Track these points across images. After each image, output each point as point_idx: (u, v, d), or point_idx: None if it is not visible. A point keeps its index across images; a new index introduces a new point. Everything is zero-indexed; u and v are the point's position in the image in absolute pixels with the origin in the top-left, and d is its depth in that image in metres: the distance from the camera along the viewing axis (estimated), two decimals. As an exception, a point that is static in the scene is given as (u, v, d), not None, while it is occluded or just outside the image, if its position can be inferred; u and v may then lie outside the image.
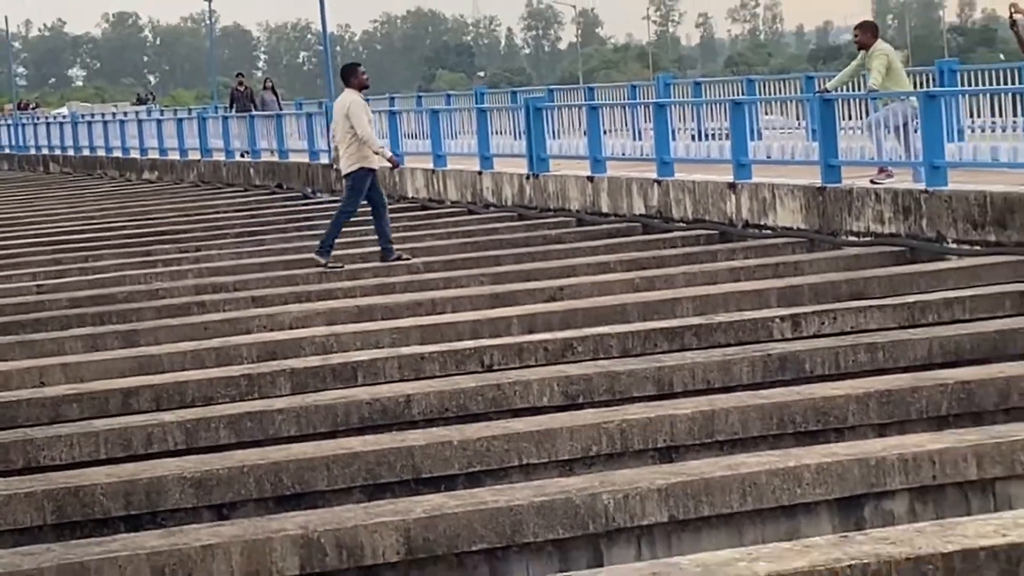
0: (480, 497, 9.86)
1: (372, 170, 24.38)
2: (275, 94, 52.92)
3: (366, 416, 13.02)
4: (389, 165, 26.05)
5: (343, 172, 24.61)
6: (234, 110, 50.83)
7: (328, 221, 24.99)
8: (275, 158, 45.01)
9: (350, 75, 25.10)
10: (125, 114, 70.68)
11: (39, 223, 37.14)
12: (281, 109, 49.70)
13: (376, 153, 24.32)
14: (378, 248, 24.34)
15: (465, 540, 9.42)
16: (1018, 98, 25.78)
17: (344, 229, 24.51)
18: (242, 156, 47.20)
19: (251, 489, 10.96)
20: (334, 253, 24.04)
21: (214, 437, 12.67)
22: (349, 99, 24.38)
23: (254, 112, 48.90)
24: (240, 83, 53.70)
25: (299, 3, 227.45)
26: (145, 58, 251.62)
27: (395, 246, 24.10)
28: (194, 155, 51.14)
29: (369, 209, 24.76)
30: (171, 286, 22.79)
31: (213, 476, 10.97)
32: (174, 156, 53.09)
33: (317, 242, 24.24)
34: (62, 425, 13.30)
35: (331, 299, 20.49)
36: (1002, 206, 19.72)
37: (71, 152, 64.80)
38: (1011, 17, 21.82)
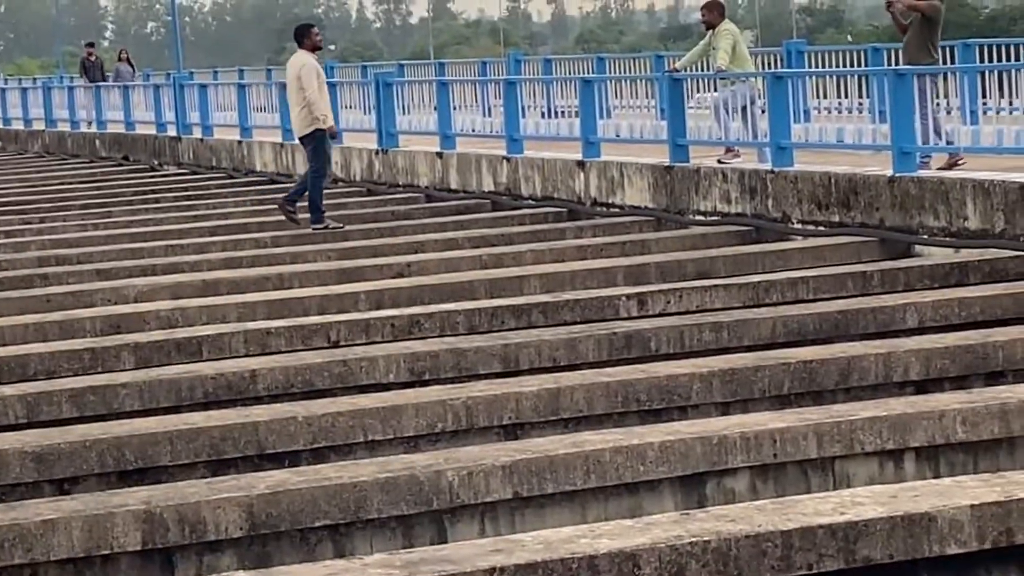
0: (324, 473, 9.86)
1: (320, 131, 24.22)
2: (131, 65, 52.37)
3: (210, 391, 12.96)
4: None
5: (298, 135, 24.67)
6: (85, 80, 50.11)
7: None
8: (122, 129, 44.60)
9: (303, 36, 25.10)
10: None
11: None
12: (134, 79, 49.12)
13: (317, 119, 24.03)
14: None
15: (309, 516, 9.41)
16: (863, 80, 26.13)
17: (190, 202, 24.36)
18: (88, 127, 46.72)
19: (93, 464, 10.88)
20: (328, 214, 24.30)
21: (56, 411, 12.55)
22: (301, 60, 24.38)
23: (104, 83, 48.38)
24: (90, 54, 53.01)
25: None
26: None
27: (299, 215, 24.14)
28: (39, 125, 50.67)
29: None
30: (13, 258, 22.58)
31: (54, 450, 10.88)
32: (18, 126, 52.66)
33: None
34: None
35: (177, 272, 20.36)
36: (846, 187, 19.96)
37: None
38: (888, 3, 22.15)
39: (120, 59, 53.19)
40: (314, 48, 24.86)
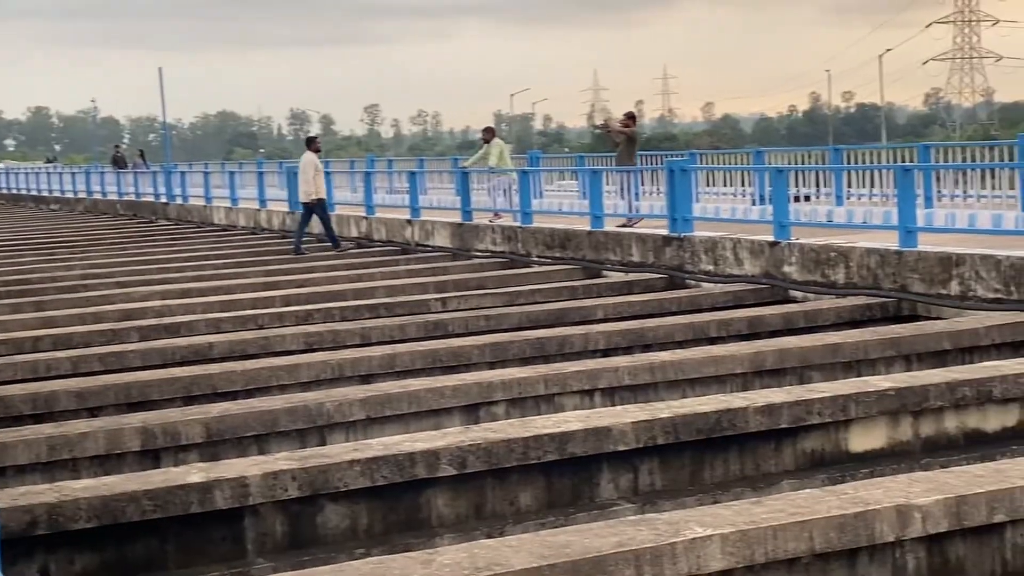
0: (252, 404, 9.71)
1: (319, 199, 24.48)
2: (144, 160, 51.55)
3: (185, 355, 12.67)
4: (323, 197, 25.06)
5: (302, 201, 24.70)
6: (113, 168, 49.28)
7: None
8: (133, 198, 43.84)
9: (309, 143, 25.62)
10: (39, 169, 68.44)
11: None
12: (148, 169, 48.26)
13: (308, 193, 24.37)
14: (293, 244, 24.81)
15: (242, 430, 9.18)
16: (574, 174, 26.39)
17: (174, 242, 23.81)
18: (113, 196, 45.96)
19: (111, 399, 10.56)
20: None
21: (89, 367, 12.23)
22: (306, 158, 24.73)
23: (125, 170, 47.61)
24: (117, 149, 52.26)
25: (149, 103, 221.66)
26: (52, 134, 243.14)
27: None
28: (81, 194, 49.82)
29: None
30: (65, 274, 22.14)
31: (88, 391, 10.60)
32: (68, 195, 51.78)
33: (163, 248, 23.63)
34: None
35: (165, 284, 20.03)
36: (563, 236, 20.11)
37: (4, 191, 62.71)
38: (605, 125, 22.50)
39: (139, 155, 52.25)
40: (316, 151, 25.00)
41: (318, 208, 24.47)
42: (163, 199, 40.11)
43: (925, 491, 6.37)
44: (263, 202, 32.14)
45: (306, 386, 11.25)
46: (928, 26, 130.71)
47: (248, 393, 10.97)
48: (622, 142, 21.27)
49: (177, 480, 7.10)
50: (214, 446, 9.18)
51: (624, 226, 19.54)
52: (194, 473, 7.23)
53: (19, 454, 8.63)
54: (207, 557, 7.13)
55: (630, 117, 22.14)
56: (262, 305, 16.57)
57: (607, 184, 21.81)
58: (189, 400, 10.74)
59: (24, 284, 20.60)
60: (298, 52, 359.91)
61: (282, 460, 7.49)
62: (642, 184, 21.99)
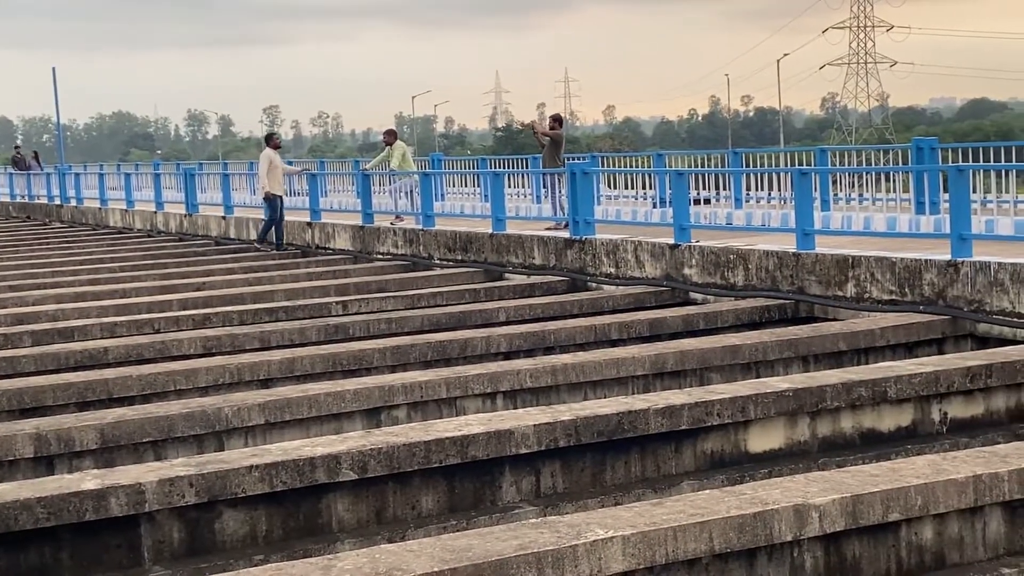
0: (149, 409, 9.56)
1: (276, 194, 24.03)
2: (38, 161, 50.29)
3: (78, 360, 12.47)
4: (280, 194, 24.36)
5: (262, 196, 24.28)
6: (15, 170, 48.02)
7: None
8: (26, 200, 42.96)
9: (267, 140, 25.21)
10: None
11: None
12: (42, 170, 47.13)
13: (290, 172, 24.56)
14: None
15: (138, 435, 9.03)
16: (473, 177, 26.40)
17: (68, 245, 23.40)
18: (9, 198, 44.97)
19: (4, 405, 10.39)
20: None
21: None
22: (263, 154, 24.46)
23: (22, 172, 46.46)
24: (17, 151, 51.03)
25: (43, 103, 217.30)
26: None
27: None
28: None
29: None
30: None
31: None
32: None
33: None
34: None
35: (59, 287, 19.68)
36: (465, 239, 20.11)
37: None
38: (531, 126, 22.46)
39: (33, 156, 50.95)
40: (275, 147, 24.59)
41: (269, 203, 24.10)
42: (57, 201, 39.37)
43: (822, 491, 6.47)
44: (160, 204, 31.71)
45: (204, 391, 11.12)
46: (824, 31, 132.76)
47: (145, 398, 10.81)
48: (547, 144, 21.30)
49: (71, 487, 6.96)
50: (110, 452, 9.02)
51: (553, 229, 19.43)
52: (89, 480, 7.10)
53: (-94, 462, 8.41)
54: (103, 565, 7.01)
55: (556, 120, 22.19)
56: (159, 309, 16.34)
57: (520, 187, 21.85)
58: (84, 406, 10.54)
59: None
60: (196, 53, 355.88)
61: (179, 466, 7.39)
62: (543, 187, 22.05)
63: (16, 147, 56.69)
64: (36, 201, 41.88)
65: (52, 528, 6.86)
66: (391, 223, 22.70)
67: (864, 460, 8.56)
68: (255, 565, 6.69)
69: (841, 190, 18.78)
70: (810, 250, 14.52)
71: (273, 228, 24.32)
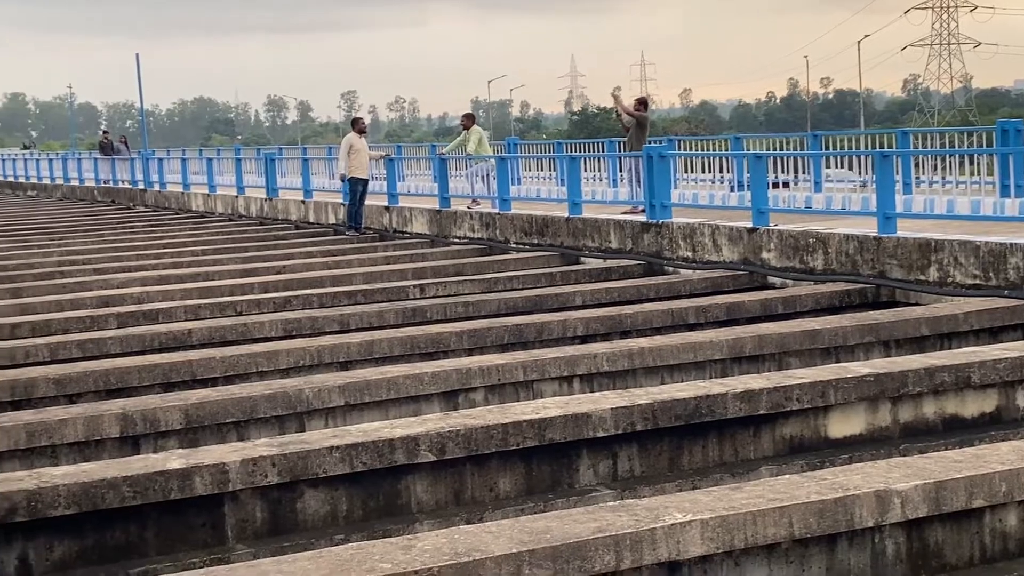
0: (231, 391, 9.71)
1: (357, 178, 23.82)
2: (127, 146, 50.73)
3: (163, 342, 12.71)
4: (361, 176, 24.14)
5: (347, 177, 23.99)
6: (101, 154, 48.59)
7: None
8: (111, 184, 43.61)
9: (353, 124, 25.13)
10: (15, 155, 68.02)
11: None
12: (130, 155, 47.67)
13: (349, 169, 23.89)
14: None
15: (221, 416, 9.27)
16: (549, 161, 26.38)
17: (152, 228, 23.76)
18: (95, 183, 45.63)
19: (90, 386, 10.61)
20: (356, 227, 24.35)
21: (68, 354, 12.25)
22: (346, 138, 24.38)
23: (108, 156, 47.05)
24: (105, 136, 51.70)
25: (127, 89, 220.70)
26: (29, 120, 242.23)
27: None
28: (59, 181, 49.58)
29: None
30: (42, 260, 22.05)
31: (67, 378, 10.60)
32: (46, 181, 51.54)
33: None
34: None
35: (144, 270, 19.98)
36: (541, 223, 20.13)
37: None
38: (615, 107, 22.40)
39: (121, 141, 51.21)
40: (360, 131, 24.49)
41: (351, 185, 24.14)
42: (141, 185, 39.94)
43: (904, 476, 6.40)
44: (241, 189, 32.06)
45: (285, 373, 11.25)
46: (906, 12, 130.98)
47: (227, 380, 10.95)
48: (632, 127, 21.20)
49: (157, 466, 7.09)
50: (193, 432, 9.16)
51: (629, 213, 19.36)
52: (174, 459, 7.22)
53: (-4, 441, 8.60)
54: (187, 543, 7.13)
55: (642, 103, 22.09)
56: (240, 292, 16.54)
57: (596, 171, 21.75)
58: (168, 387, 10.72)
59: (1, 271, 20.47)
60: (275, 39, 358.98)
61: (262, 446, 7.49)
62: (620, 171, 21.98)
63: (104, 132, 57.59)
64: (120, 186, 42.52)
65: (138, 507, 6.98)
66: (468, 207, 22.76)
67: (947, 446, 8.45)
68: (336, 544, 6.77)
69: (923, 173, 18.52)
70: (892, 234, 14.34)
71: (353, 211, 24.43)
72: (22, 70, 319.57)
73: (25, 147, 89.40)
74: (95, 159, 47.13)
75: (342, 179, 24.23)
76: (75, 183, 47.63)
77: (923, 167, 18.53)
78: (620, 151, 22.61)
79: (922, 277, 13.84)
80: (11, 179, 57.45)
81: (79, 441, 8.82)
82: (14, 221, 33.89)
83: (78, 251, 24.06)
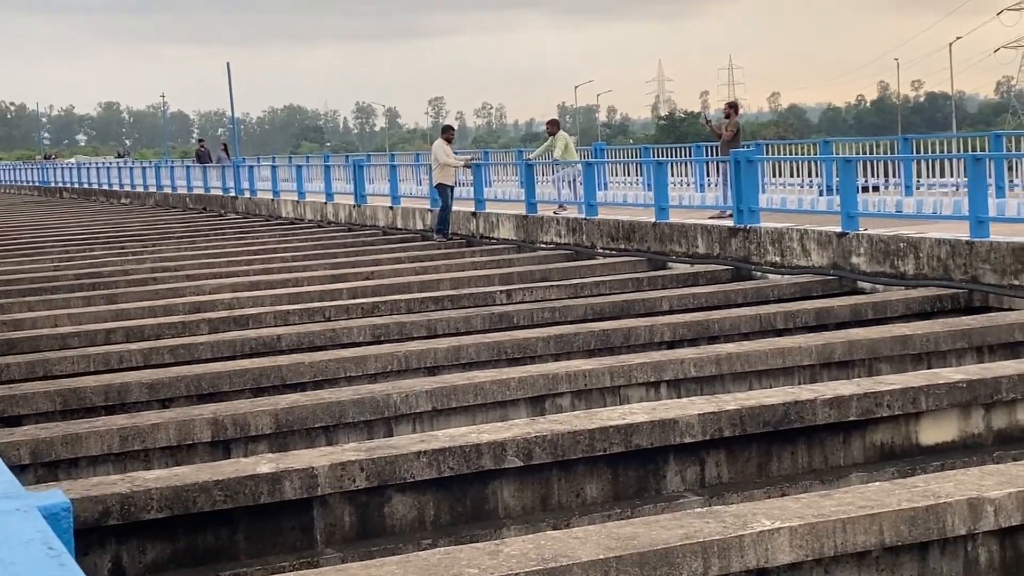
0: (320, 395, 9.79)
1: (446, 185, 24.01)
2: (227, 153, 50.50)
3: (253, 347, 12.85)
4: (447, 183, 24.26)
5: (435, 183, 24.32)
6: (196, 162, 48.74)
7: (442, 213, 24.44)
8: (202, 191, 44.26)
9: (442, 132, 25.33)
10: (110, 164, 69.33)
11: (56, 228, 36.07)
12: (231, 162, 46.98)
13: (455, 166, 24.19)
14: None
15: (311, 421, 9.35)
16: (636, 166, 26.27)
17: (243, 234, 23.99)
18: (187, 191, 46.19)
19: (182, 390, 10.78)
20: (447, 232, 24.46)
21: (160, 359, 12.43)
22: (436, 145, 24.73)
23: (209, 164, 47.26)
24: (202, 145, 52.17)
25: (218, 97, 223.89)
26: (123, 129, 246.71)
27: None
28: (152, 189, 50.40)
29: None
30: (136, 267, 22.36)
31: (160, 382, 10.77)
32: (139, 189, 52.43)
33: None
34: (67, 351, 13.01)
35: (234, 276, 20.22)
36: (628, 228, 20.06)
37: (76, 185, 63.43)
38: (708, 122, 22.54)
39: (223, 149, 51.15)
40: (446, 140, 24.65)
41: (441, 191, 24.26)
42: (232, 193, 40.46)
43: (997, 484, 6.28)
44: (330, 195, 32.36)
45: (373, 378, 11.30)
46: (999, 13, 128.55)
47: (316, 385, 11.05)
48: (723, 133, 21.25)
49: (247, 471, 7.16)
50: (283, 437, 9.26)
51: (717, 217, 19.28)
52: (264, 464, 7.30)
53: (92, 445, 8.75)
54: (277, 547, 7.20)
55: (732, 107, 22.00)
56: (329, 298, 16.68)
57: (684, 176, 21.64)
58: (258, 392, 10.84)
59: (96, 277, 20.84)
60: (363, 46, 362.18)
61: (350, 451, 7.54)
62: (707, 176, 21.86)
63: (200, 141, 58.15)
64: (212, 193, 43.09)
65: (228, 510, 7.06)
66: (554, 212, 22.76)
67: (1042, 454, 8.28)
68: (423, 549, 6.79)
69: (1017, 176, 18.18)
70: (984, 238, 14.09)
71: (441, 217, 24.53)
72: (116, 80, 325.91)
73: (119, 155, 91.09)
74: (187, 167, 47.67)
75: (439, 188, 24.28)
76: (168, 191, 48.36)
77: (1016, 170, 18.18)
78: (707, 156, 22.49)
79: (1016, 282, 13.57)
80: (106, 187, 58.39)
81: (171, 445, 8.96)
82: (109, 228, 34.50)
83: (171, 258, 24.41)
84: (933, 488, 6.25)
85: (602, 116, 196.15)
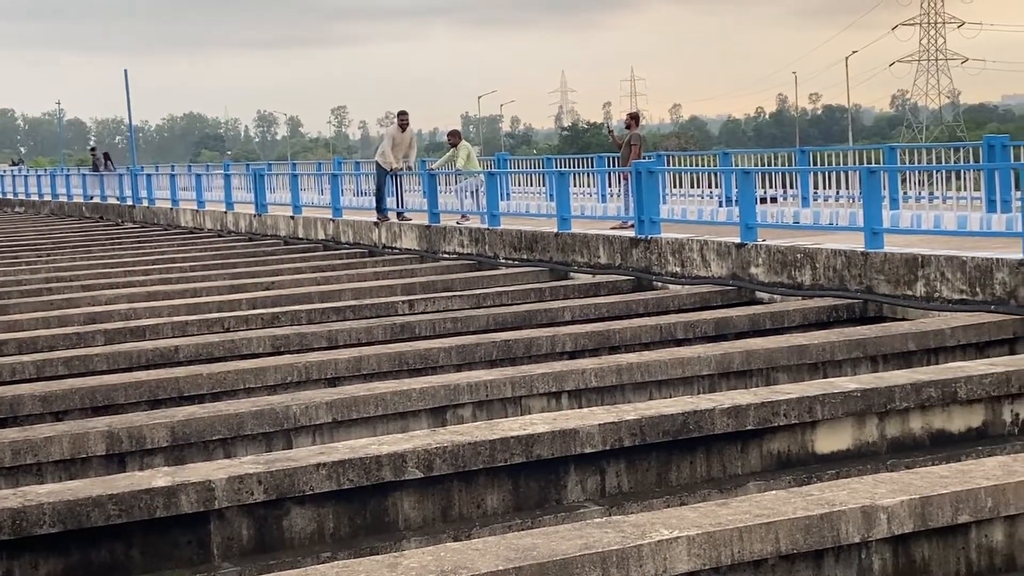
0: (218, 407, 9.69)
1: (381, 167, 24.08)
2: (110, 161, 50.44)
3: (150, 359, 12.71)
4: (396, 167, 24.39)
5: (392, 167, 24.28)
6: (91, 171, 48.35)
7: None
8: (99, 200, 43.56)
9: (397, 116, 24.80)
10: (4, 171, 67.85)
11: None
12: (114, 171, 47.33)
13: (384, 164, 24.08)
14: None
15: (208, 433, 9.24)
16: (539, 176, 26.38)
17: (140, 244, 23.61)
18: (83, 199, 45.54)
19: (76, 403, 10.59)
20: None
21: (54, 371, 12.24)
22: (388, 129, 24.69)
23: (102, 173, 46.90)
24: (93, 153, 51.62)
25: (115, 104, 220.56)
26: (18, 136, 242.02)
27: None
28: (47, 197, 49.48)
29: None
30: (30, 277, 21.98)
31: (53, 395, 10.58)
32: (34, 197, 51.46)
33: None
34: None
35: (131, 287, 19.95)
36: (530, 238, 20.13)
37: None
38: (607, 128, 22.75)
39: (105, 156, 51.15)
40: (401, 125, 24.37)
41: (377, 175, 24.39)
42: (129, 202, 39.91)
43: (890, 492, 6.40)
44: (230, 205, 32.04)
45: (272, 389, 11.22)
46: (894, 28, 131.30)
47: (214, 396, 10.93)
48: (624, 147, 21.39)
49: (142, 484, 7.06)
50: (180, 450, 9.14)
51: (618, 228, 19.38)
52: (159, 477, 7.20)
53: (-18, 459, 8.56)
54: (173, 561, 7.10)
55: (633, 117, 22.15)
56: (228, 308, 16.51)
57: (586, 186, 21.74)
58: (155, 404, 10.69)
59: (-13, 287, 20.44)
60: (264, 54, 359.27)
61: (248, 464, 7.46)
62: (608, 186, 22.00)
63: (92, 149, 57.48)
64: (108, 202, 42.46)
65: (123, 524, 6.95)
66: (457, 222, 22.76)
67: (933, 461, 8.46)
68: (322, 562, 6.75)
69: (910, 188, 18.57)
70: (879, 249, 14.37)
71: (388, 198, 24.42)
72: (10, 86, 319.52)
73: (14, 163, 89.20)
74: (83, 175, 47.02)
75: (393, 172, 24.36)
76: (63, 199, 47.57)
77: (910, 182, 18.57)
78: (610, 167, 22.65)
79: (909, 292, 13.86)
80: (-1, 196, 57.47)
81: (65, 459, 8.80)
82: (2, 237, 33.84)
83: (66, 267, 24.03)
84: (828, 496, 6.35)
85: (505, 126, 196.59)
